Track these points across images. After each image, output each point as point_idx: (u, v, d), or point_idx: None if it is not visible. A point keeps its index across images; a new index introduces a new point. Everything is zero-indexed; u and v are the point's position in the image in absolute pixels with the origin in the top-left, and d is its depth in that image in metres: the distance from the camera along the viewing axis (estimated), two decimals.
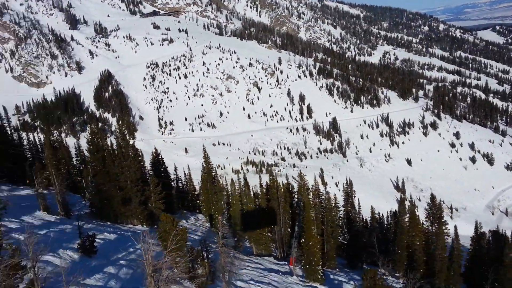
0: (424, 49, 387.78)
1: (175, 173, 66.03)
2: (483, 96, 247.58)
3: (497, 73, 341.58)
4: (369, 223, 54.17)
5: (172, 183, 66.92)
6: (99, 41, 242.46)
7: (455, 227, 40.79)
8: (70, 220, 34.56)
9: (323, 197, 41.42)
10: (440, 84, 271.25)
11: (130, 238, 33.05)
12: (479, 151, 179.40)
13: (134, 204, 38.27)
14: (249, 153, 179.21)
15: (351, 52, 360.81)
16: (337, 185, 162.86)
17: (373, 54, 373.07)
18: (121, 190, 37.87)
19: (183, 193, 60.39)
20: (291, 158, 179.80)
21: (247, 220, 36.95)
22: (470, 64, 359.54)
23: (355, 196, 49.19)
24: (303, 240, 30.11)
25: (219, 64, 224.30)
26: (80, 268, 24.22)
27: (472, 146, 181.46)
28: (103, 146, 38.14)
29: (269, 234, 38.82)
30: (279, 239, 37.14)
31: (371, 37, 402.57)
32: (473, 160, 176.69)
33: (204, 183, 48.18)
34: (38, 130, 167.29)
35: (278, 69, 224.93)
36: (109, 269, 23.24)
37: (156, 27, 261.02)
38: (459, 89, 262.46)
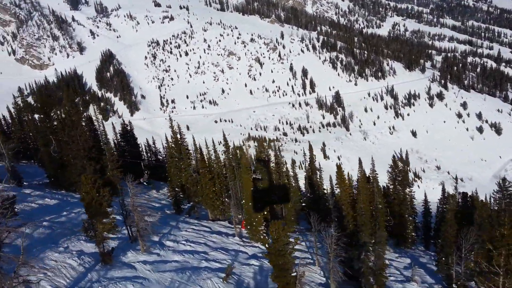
0: (435, 19, 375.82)
1: (153, 145, 65.67)
2: (494, 65, 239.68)
3: (511, 41, 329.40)
4: None
5: (154, 155, 66.75)
6: (100, 21, 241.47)
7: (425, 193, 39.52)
8: (20, 188, 34.43)
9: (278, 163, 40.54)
10: (449, 55, 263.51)
11: (71, 203, 33.01)
12: (486, 121, 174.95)
13: (89, 173, 37.79)
14: (251, 129, 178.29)
15: (359, 25, 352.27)
16: (339, 159, 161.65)
17: (382, 26, 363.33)
18: (75, 159, 37.42)
19: (158, 163, 59.95)
20: (293, 133, 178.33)
21: (201, 186, 36.38)
22: (483, 34, 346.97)
23: (315, 161, 47.87)
24: (243, 202, 29.41)
25: (220, 41, 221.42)
26: None
27: (479, 116, 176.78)
28: (53, 115, 37.52)
29: (226, 199, 38.24)
30: (235, 204, 36.46)
31: (380, 9, 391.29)
32: (480, 130, 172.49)
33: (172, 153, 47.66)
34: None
35: (281, 43, 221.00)
36: (22, 229, 22.86)
37: (157, 4, 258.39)
38: (469, 59, 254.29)
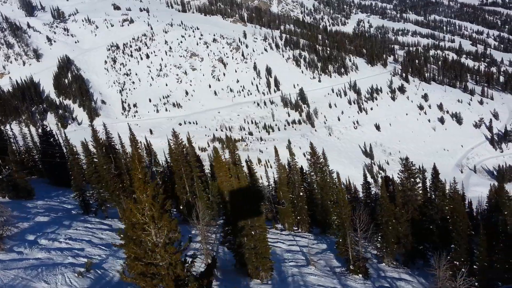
0: (398, 15, 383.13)
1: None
2: (455, 57, 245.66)
3: (471, 34, 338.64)
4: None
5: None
6: (57, 26, 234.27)
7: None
8: None
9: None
10: (412, 49, 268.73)
11: None
12: (447, 112, 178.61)
13: None
14: (216, 130, 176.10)
15: (325, 23, 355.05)
16: (305, 155, 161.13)
17: (347, 23, 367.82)
18: None
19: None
20: (259, 132, 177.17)
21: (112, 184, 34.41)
22: (445, 27, 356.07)
23: (237, 151, 46.69)
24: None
25: (181, 42, 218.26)
26: None
27: (440, 107, 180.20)
28: None
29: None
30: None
31: (345, 6, 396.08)
32: (441, 120, 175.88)
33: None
34: None
35: (244, 43, 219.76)
36: None
37: (117, 7, 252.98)
38: (432, 52, 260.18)
